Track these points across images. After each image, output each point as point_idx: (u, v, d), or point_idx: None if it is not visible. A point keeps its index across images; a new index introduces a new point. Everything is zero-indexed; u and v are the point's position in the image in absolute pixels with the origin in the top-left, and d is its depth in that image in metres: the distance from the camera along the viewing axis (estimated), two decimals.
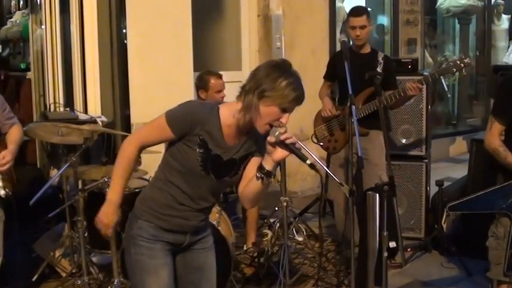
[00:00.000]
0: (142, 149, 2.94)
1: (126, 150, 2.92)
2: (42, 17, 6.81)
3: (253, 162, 2.90)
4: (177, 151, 2.88)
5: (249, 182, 2.87)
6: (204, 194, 2.97)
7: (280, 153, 2.73)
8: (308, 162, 2.74)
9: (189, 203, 2.95)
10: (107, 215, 2.98)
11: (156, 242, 2.96)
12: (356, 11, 5.43)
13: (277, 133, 2.70)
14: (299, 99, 2.73)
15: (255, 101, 2.71)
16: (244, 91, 2.77)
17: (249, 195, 2.91)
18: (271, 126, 2.73)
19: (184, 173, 2.89)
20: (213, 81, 5.36)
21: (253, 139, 2.93)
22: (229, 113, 2.84)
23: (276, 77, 2.69)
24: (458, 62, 4.94)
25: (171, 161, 2.92)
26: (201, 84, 5.40)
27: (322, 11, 8.23)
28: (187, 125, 2.81)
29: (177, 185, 2.92)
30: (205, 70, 5.60)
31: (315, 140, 5.54)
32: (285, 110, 2.72)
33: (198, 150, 2.83)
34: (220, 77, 5.44)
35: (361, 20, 5.28)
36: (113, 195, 2.97)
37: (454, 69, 5.00)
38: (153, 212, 2.95)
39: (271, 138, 2.71)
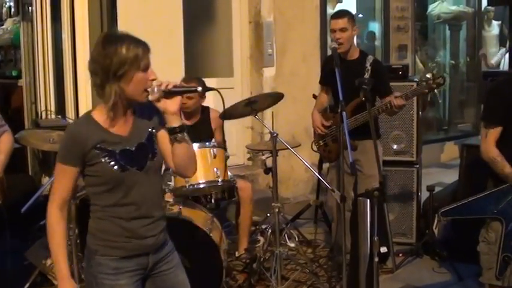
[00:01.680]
0: (65, 204, 2.81)
1: (50, 221, 2.78)
2: (33, 24, 6.82)
3: (162, 135, 2.87)
4: (90, 176, 2.80)
5: (173, 151, 2.83)
6: (146, 197, 2.84)
7: (172, 102, 2.74)
8: (199, 89, 2.83)
9: (137, 213, 2.82)
10: None
11: (118, 277, 2.81)
12: (337, 13, 5.32)
13: (156, 89, 2.71)
14: (145, 50, 2.72)
15: (115, 88, 2.68)
16: (98, 87, 2.72)
17: (181, 162, 2.87)
18: (146, 90, 2.72)
19: (111, 188, 2.78)
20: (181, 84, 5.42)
21: (143, 115, 2.88)
22: (102, 111, 2.77)
23: (113, 52, 2.65)
24: (431, 82, 4.81)
25: (93, 189, 2.83)
26: None
27: (313, 18, 8.25)
28: (77, 149, 2.73)
29: (114, 203, 2.80)
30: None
31: (315, 148, 5.54)
32: (145, 68, 2.71)
33: (103, 160, 2.74)
34: (188, 80, 5.45)
35: (341, 23, 5.09)
36: (64, 270, 2.82)
37: (426, 90, 4.89)
38: (107, 243, 2.82)
39: (153, 96, 2.71)
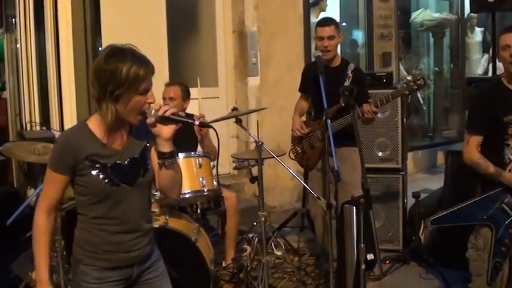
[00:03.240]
0: (53, 209, 2.79)
1: (37, 224, 2.77)
2: (17, 35, 6.80)
3: (154, 153, 2.82)
4: (79, 186, 2.76)
5: (160, 174, 2.81)
6: (134, 211, 2.81)
7: (167, 128, 2.69)
8: (196, 123, 2.76)
9: (123, 227, 2.79)
10: None
11: (101, 286, 2.79)
12: (324, 21, 5.32)
13: (153, 112, 2.64)
14: (148, 72, 2.63)
15: (110, 108, 2.62)
16: (96, 101, 2.67)
17: (166, 186, 2.85)
18: (142, 114, 2.67)
19: (99, 200, 2.74)
20: (164, 88, 5.51)
21: (140, 129, 2.82)
22: (97, 122, 2.72)
23: (114, 70, 2.57)
24: (412, 84, 4.84)
25: (81, 199, 2.79)
26: None
27: (297, 27, 8.28)
28: (69, 158, 2.68)
29: (101, 215, 2.77)
30: None
31: (292, 156, 5.54)
32: (145, 91, 2.64)
33: (94, 172, 2.70)
34: (169, 84, 5.55)
35: (329, 30, 5.13)
36: (44, 275, 2.79)
37: (407, 92, 4.91)
38: (91, 254, 2.79)
39: (150, 120, 2.65)
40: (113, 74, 2.58)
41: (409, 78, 4.99)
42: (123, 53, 2.63)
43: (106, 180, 2.72)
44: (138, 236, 2.85)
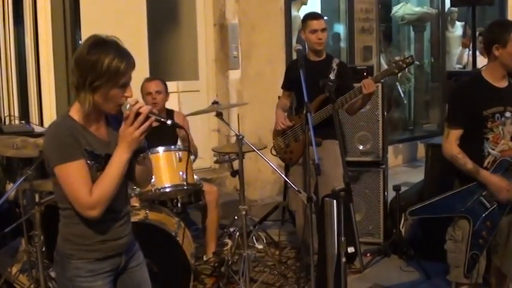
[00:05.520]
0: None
1: (91, 214, 2.67)
2: None
3: None
4: None
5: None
6: (119, 198, 2.80)
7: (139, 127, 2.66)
8: (169, 122, 2.74)
9: (111, 215, 2.79)
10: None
11: (95, 278, 2.79)
12: (315, 14, 5.44)
13: (128, 106, 2.64)
14: (129, 66, 2.64)
15: (88, 98, 2.62)
16: (75, 88, 2.66)
17: (137, 178, 2.89)
18: (120, 105, 2.67)
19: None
20: (143, 84, 5.54)
21: (113, 119, 2.84)
22: (78, 112, 2.70)
23: (95, 61, 2.58)
24: (401, 63, 4.90)
25: None
26: (141, 92, 5.48)
27: (278, 20, 8.28)
28: (77, 144, 2.65)
29: None
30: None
31: (274, 153, 5.53)
32: (124, 85, 2.65)
33: (90, 163, 2.68)
34: (151, 79, 5.53)
35: (323, 23, 5.27)
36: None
37: (396, 70, 4.95)
38: (82, 247, 2.77)
39: (125, 113, 2.64)
40: (94, 65, 2.58)
41: (397, 58, 5.04)
42: (106, 45, 2.63)
43: (100, 172, 2.71)
44: (124, 222, 2.88)
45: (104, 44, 2.63)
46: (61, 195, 2.76)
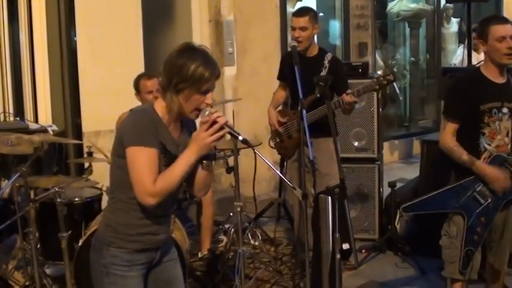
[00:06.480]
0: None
1: (150, 201, 2.73)
2: None
3: None
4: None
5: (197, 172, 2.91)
6: (170, 197, 2.85)
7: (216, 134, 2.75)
8: (240, 138, 2.80)
9: (158, 211, 2.86)
10: None
11: (131, 268, 2.88)
12: (298, 11, 5.25)
13: (207, 112, 2.74)
14: (213, 75, 2.76)
15: (174, 99, 2.74)
16: (162, 88, 2.80)
17: (197, 184, 2.97)
18: (199, 110, 2.77)
19: None
20: (142, 82, 5.32)
21: (189, 124, 2.97)
22: (162, 108, 2.83)
23: (182, 65, 2.72)
24: (382, 79, 4.79)
25: (125, 179, 2.78)
26: (134, 88, 5.34)
27: (273, 17, 8.26)
28: (154, 135, 2.75)
29: None
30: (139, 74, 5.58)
31: (272, 145, 5.51)
32: (206, 92, 2.76)
33: (160, 155, 2.79)
34: (150, 77, 5.39)
35: (302, 21, 5.06)
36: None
37: (377, 87, 4.85)
38: (123, 236, 2.86)
39: (202, 118, 2.74)
40: (180, 69, 2.72)
41: (379, 73, 5.01)
42: (195, 52, 2.78)
43: (165, 165, 2.79)
44: (166, 221, 3.01)
45: (192, 51, 2.78)
46: (119, 180, 2.85)
